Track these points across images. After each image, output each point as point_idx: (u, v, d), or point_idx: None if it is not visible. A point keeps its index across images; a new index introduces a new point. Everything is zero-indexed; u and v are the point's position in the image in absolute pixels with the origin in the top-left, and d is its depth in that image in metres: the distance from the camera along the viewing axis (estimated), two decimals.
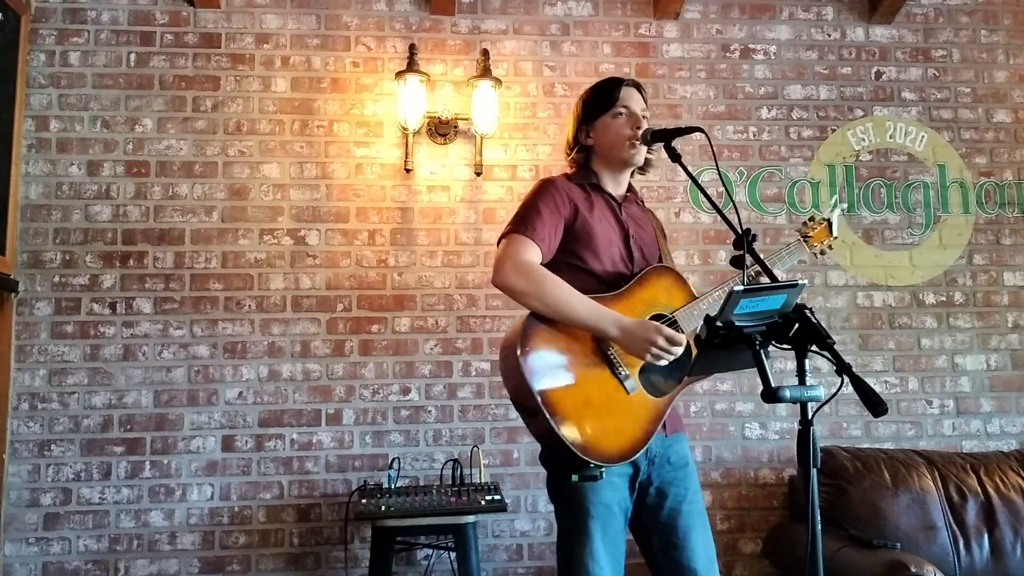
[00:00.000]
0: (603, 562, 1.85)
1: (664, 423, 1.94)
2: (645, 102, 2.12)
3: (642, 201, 2.23)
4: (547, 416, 1.77)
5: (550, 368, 1.83)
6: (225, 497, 3.18)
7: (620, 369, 1.88)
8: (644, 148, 2.07)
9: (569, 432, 1.78)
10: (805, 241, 2.21)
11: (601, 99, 2.08)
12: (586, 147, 2.11)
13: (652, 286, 1.99)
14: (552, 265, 1.97)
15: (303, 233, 3.33)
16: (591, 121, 2.09)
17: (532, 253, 1.92)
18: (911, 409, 3.49)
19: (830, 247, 2.26)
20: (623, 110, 2.06)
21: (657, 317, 1.93)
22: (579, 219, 2.00)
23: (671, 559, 1.94)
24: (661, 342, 1.81)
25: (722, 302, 1.56)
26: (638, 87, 2.12)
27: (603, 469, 1.81)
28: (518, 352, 1.80)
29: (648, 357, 1.84)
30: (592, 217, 2.01)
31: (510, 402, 3.32)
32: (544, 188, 2.03)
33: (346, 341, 3.29)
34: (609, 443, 1.82)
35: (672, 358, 1.85)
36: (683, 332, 1.90)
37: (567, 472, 1.82)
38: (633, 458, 1.86)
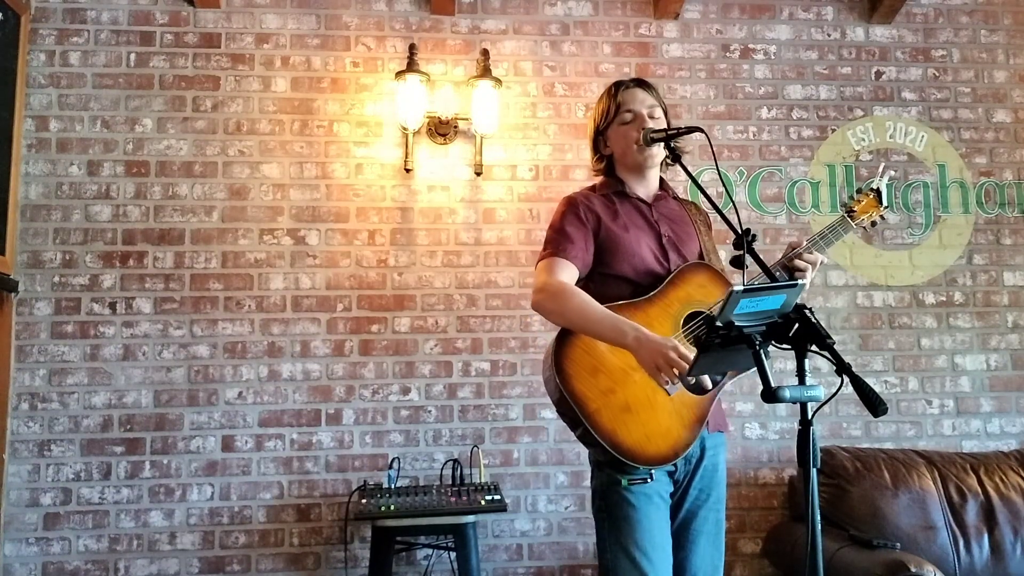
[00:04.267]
0: (650, 554, 1.85)
1: (708, 420, 1.94)
2: (653, 95, 2.11)
3: (676, 196, 2.19)
4: (588, 426, 1.82)
5: (586, 377, 1.87)
6: (225, 497, 3.17)
7: None
8: (656, 146, 2.05)
9: (612, 439, 1.82)
10: (849, 216, 2.11)
11: (606, 108, 2.10)
12: (607, 156, 2.14)
13: (686, 284, 1.98)
14: (588, 276, 2.04)
15: (303, 233, 3.33)
16: (604, 131, 2.12)
17: (565, 273, 1.97)
18: (911, 409, 3.49)
19: (881, 218, 2.15)
20: (628, 114, 2.07)
21: (695, 315, 1.94)
22: (603, 229, 2.03)
23: (677, 559, 1.94)
24: (662, 362, 1.75)
25: (723, 302, 1.56)
26: (641, 83, 2.12)
27: (653, 471, 1.85)
28: (552, 364, 1.87)
29: (655, 377, 1.79)
30: (616, 225, 2.03)
31: (510, 402, 3.33)
32: (566, 207, 2.08)
33: (346, 341, 3.29)
34: (655, 446, 1.85)
35: (675, 386, 1.80)
36: None
37: (616, 476, 1.86)
38: (683, 454, 1.87)
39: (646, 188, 2.13)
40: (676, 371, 1.73)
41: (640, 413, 1.85)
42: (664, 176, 2.20)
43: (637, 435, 1.84)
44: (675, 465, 1.92)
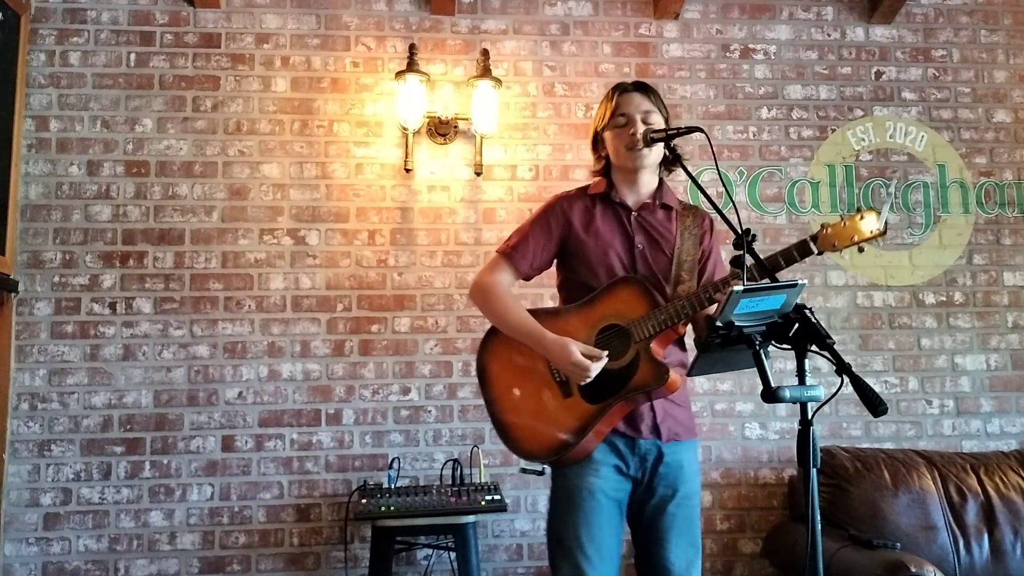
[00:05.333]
0: (584, 542, 1.97)
1: (659, 430, 2.04)
2: (652, 99, 2.11)
3: (664, 205, 2.15)
4: (490, 413, 2.12)
5: (497, 371, 2.13)
6: (225, 497, 3.17)
7: (558, 375, 2.05)
8: (646, 151, 2.06)
9: (503, 430, 2.09)
10: (814, 240, 1.90)
11: (602, 112, 2.14)
12: (605, 157, 2.19)
13: (613, 298, 2.04)
14: (561, 278, 2.20)
15: (303, 233, 3.33)
16: (601, 134, 2.16)
17: (502, 274, 2.15)
18: (911, 409, 3.49)
19: (865, 246, 1.88)
20: (621, 118, 2.09)
21: (609, 327, 2.03)
22: (572, 236, 2.13)
23: (650, 556, 2.04)
24: (572, 366, 1.96)
25: (722, 302, 1.56)
26: (640, 87, 2.13)
27: (543, 465, 2.05)
28: (477, 356, 2.16)
29: (570, 375, 2.00)
30: (587, 234, 2.11)
31: None
32: (543, 210, 2.19)
33: (346, 341, 3.29)
34: (534, 442, 2.05)
35: (589, 375, 1.96)
36: (637, 340, 1.98)
37: (562, 470, 2.05)
38: (560, 454, 2.00)
39: (635, 194, 2.14)
40: (585, 373, 1.94)
41: (528, 412, 2.06)
42: (666, 179, 2.20)
43: (522, 432, 2.06)
44: (626, 463, 2.03)
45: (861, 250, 1.88)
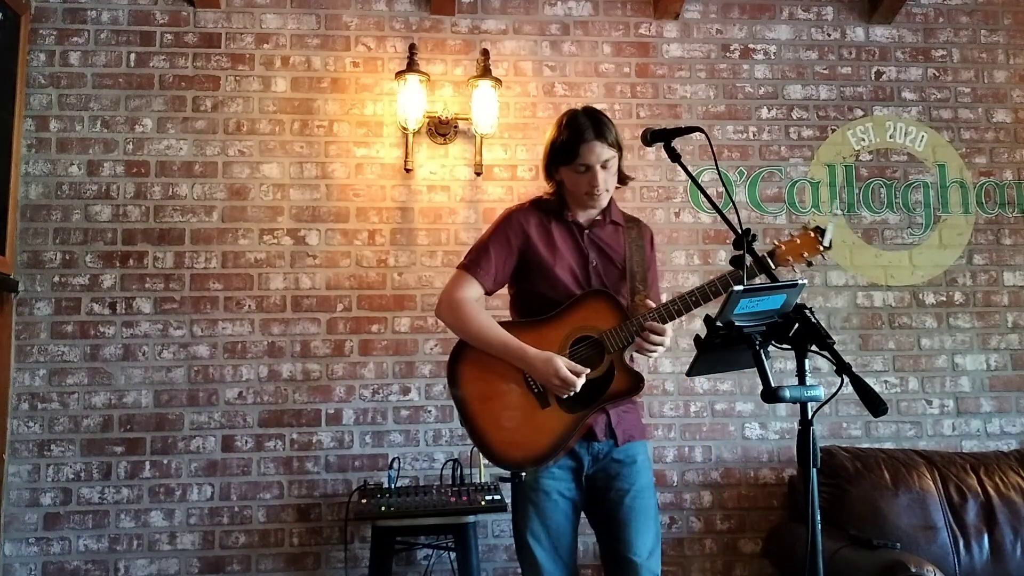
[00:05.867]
0: (542, 539, 2.10)
1: (614, 433, 2.14)
2: (609, 141, 2.11)
3: (616, 222, 2.26)
4: (467, 428, 2.13)
5: (471, 384, 2.14)
6: (225, 497, 3.17)
7: (534, 386, 2.11)
8: (605, 197, 2.18)
9: (482, 440, 2.11)
10: (771, 256, 2.02)
11: (563, 153, 2.15)
12: (559, 182, 2.23)
13: (584, 309, 2.13)
14: (515, 291, 2.26)
15: (303, 233, 3.33)
16: (556, 166, 2.19)
17: (470, 289, 2.18)
18: (911, 409, 3.49)
19: (818, 259, 2.08)
20: (582, 167, 2.13)
21: (583, 339, 2.11)
22: (530, 251, 2.19)
23: (612, 549, 2.14)
24: (558, 380, 2.03)
25: (722, 302, 1.56)
26: (599, 133, 2.10)
27: (522, 472, 2.09)
28: (448, 371, 2.17)
29: (552, 389, 2.07)
30: (545, 248, 2.19)
31: None
32: (499, 224, 2.24)
33: (346, 341, 3.29)
34: (517, 451, 2.09)
35: (574, 390, 2.03)
36: (611, 351, 2.08)
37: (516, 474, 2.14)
38: (545, 461, 2.07)
39: (586, 214, 2.24)
40: (571, 386, 2.02)
41: (507, 423, 2.10)
42: (615, 197, 2.27)
43: (502, 442, 2.10)
44: (580, 463, 2.13)
45: (810, 264, 2.06)
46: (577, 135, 2.11)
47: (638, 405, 2.27)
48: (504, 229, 2.21)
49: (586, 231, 2.22)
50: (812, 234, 2.04)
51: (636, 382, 2.08)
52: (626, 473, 2.15)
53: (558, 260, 2.18)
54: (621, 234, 2.25)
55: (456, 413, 2.21)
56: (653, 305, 2.10)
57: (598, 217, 2.24)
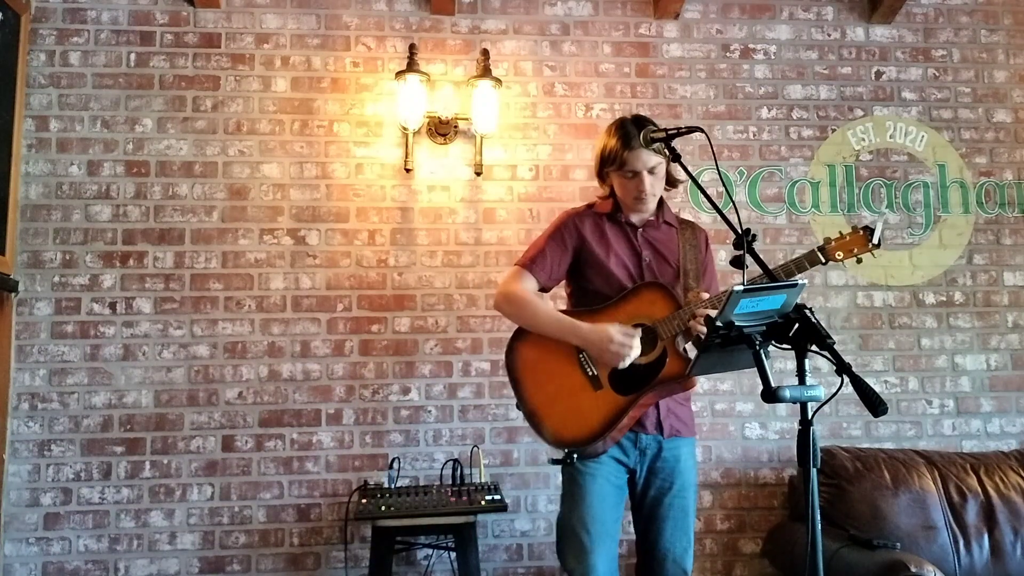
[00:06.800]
0: (588, 524, 2.17)
1: (661, 426, 2.24)
2: (658, 150, 2.18)
3: (670, 223, 2.38)
4: (523, 410, 2.24)
5: (528, 368, 2.26)
6: (225, 497, 3.17)
7: (588, 368, 2.20)
8: (652, 201, 2.30)
9: (538, 422, 2.21)
10: (822, 251, 2.18)
11: (612, 159, 2.27)
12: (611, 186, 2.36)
13: (638, 300, 2.23)
14: (572, 288, 2.40)
15: (303, 233, 3.33)
16: (607, 171, 2.32)
17: (526, 283, 2.31)
18: (911, 409, 3.49)
19: (864, 256, 2.20)
20: (630, 172, 2.25)
21: (637, 327, 2.18)
22: (586, 250, 2.32)
23: (648, 543, 2.24)
24: (615, 345, 2.11)
25: (723, 302, 1.56)
26: (647, 138, 2.15)
27: (574, 455, 2.16)
28: (506, 355, 2.30)
29: (608, 358, 2.14)
30: (600, 247, 2.31)
31: (510, 402, 3.33)
32: (556, 224, 2.38)
33: (346, 341, 3.29)
34: (570, 432, 2.18)
35: (629, 353, 2.12)
36: (663, 337, 2.17)
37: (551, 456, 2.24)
38: (596, 441, 2.15)
39: (639, 216, 2.36)
40: (627, 347, 2.10)
41: (561, 404, 2.19)
42: (666, 197, 2.40)
43: (556, 422, 2.19)
44: (626, 455, 2.23)
45: (859, 260, 2.19)
46: (624, 142, 2.22)
47: (689, 401, 2.37)
48: (560, 229, 2.35)
49: (639, 230, 2.34)
50: (862, 233, 2.16)
51: (688, 367, 2.13)
52: (669, 471, 2.25)
53: (612, 257, 2.29)
54: (675, 235, 2.36)
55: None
56: (706, 296, 2.17)
57: (651, 218, 2.35)
